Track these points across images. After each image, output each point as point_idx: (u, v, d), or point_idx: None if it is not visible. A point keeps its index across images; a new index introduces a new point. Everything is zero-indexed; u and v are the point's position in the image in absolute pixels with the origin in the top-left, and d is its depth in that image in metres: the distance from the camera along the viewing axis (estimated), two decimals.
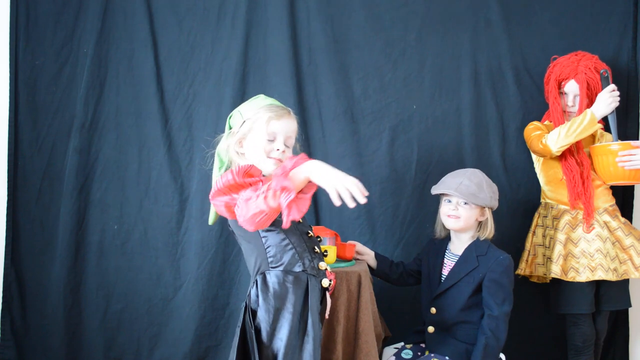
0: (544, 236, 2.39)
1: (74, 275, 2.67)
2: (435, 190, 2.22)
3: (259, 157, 1.80)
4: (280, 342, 1.65)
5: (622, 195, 2.61)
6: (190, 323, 2.64)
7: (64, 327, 2.66)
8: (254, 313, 1.71)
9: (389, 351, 2.24)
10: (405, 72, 2.66)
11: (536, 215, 2.47)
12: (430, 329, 2.15)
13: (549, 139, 2.31)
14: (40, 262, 2.68)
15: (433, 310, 2.15)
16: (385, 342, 2.29)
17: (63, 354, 2.66)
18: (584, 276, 2.24)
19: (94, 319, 2.68)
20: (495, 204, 2.17)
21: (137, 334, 2.68)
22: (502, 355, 2.18)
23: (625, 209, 2.60)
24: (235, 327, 1.76)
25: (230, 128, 1.90)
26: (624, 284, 2.36)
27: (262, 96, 1.93)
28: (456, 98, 2.66)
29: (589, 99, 2.36)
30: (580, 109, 2.35)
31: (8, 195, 2.66)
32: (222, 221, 2.62)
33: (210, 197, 1.72)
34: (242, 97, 2.65)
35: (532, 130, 2.42)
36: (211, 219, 1.95)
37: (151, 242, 2.68)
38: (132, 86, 2.68)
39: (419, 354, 2.19)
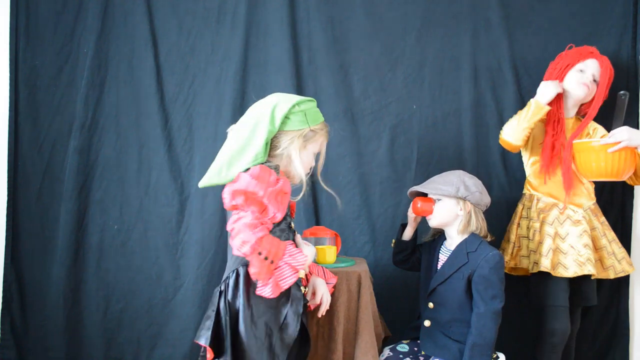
0: (528, 228, 2.38)
1: (74, 275, 2.67)
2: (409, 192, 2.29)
3: (301, 166, 1.81)
4: (260, 330, 1.72)
5: (622, 195, 2.60)
6: (190, 323, 2.65)
7: (64, 327, 2.66)
8: (231, 301, 1.76)
9: (388, 351, 2.24)
10: (405, 72, 2.66)
11: (520, 206, 2.44)
12: (427, 322, 2.15)
13: (505, 133, 2.32)
14: (40, 262, 2.68)
15: (431, 305, 2.15)
16: (385, 342, 2.29)
17: (63, 354, 2.66)
18: (571, 271, 2.22)
19: (94, 319, 2.68)
20: (472, 199, 2.14)
21: (137, 334, 2.68)
22: (502, 356, 2.18)
23: (626, 209, 2.60)
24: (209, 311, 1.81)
25: (287, 117, 1.78)
26: (592, 282, 2.36)
27: (314, 103, 1.87)
28: (456, 98, 2.66)
29: (606, 87, 2.33)
30: (599, 95, 2.31)
31: (8, 195, 2.66)
32: (222, 221, 2.63)
33: (234, 182, 1.70)
34: (242, 97, 2.66)
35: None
36: (203, 183, 1.84)
37: (151, 242, 2.68)
38: (132, 86, 2.68)
39: (415, 349, 2.20)
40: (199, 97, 2.68)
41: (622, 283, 2.59)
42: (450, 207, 2.16)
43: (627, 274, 2.35)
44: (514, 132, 2.29)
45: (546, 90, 2.28)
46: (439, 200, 2.18)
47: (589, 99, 2.38)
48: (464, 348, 2.05)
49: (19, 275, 2.68)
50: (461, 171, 2.24)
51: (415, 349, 2.21)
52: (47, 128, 2.69)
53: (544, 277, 2.27)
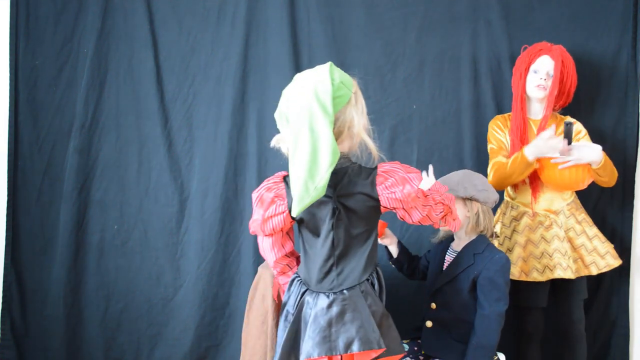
0: (501, 233, 2.40)
1: (74, 275, 2.67)
2: None
3: (369, 138, 1.72)
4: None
5: (622, 196, 2.60)
6: (190, 323, 2.65)
7: (64, 327, 2.66)
8: (378, 297, 1.75)
9: None
10: (405, 72, 2.66)
11: (499, 211, 2.46)
12: (429, 323, 2.15)
13: (492, 179, 2.34)
14: (40, 262, 2.68)
15: (433, 305, 2.15)
16: None
17: (63, 354, 2.66)
18: (544, 275, 2.27)
19: (94, 319, 2.68)
20: (480, 197, 2.13)
21: (137, 334, 2.69)
22: (502, 356, 2.18)
23: (626, 209, 2.60)
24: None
25: (334, 98, 1.62)
26: (582, 278, 2.36)
27: (333, 65, 1.69)
28: (456, 98, 2.65)
29: (561, 81, 2.33)
30: (552, 91, 2.31)
31: (8, 195, 2.66)
32: (222, 221, 2.63)
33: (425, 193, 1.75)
34: (242, 97, 2.66)
35: (491, 137, 2.43)
36: (298, 209, 1.60)
37: (151, 242, 2.68)
38: (132, 86, 2.69)
39: (415, 349, 2.20)
40: (199, 97, 2.68)
41: (622, 282, 2.59)
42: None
43: (611, 268, 2.34)
44: (504, 183, 2.33)
45: (537, 149, 2.24)
46: None
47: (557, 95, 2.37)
48: (465, 349, 2.05)
49: (19, 275, 2.68)
50: (465, 170, 2.22)
51: (416, 348, 2.21)
52: (47, 128, 2.69)
53: (519, 281, 2.30)
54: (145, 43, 2.67)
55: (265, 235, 1.80)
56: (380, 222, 2.06)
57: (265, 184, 1.76)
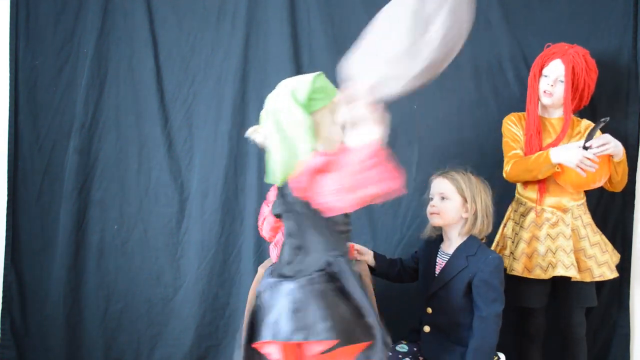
0: (512, 230, 2.39)
1: (74, 275, 2.67)
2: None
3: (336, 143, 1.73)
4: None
5: (623, 196, 2.60)
6: (190, 323, 2.65)
7: (64, 327, 2.66)
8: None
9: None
10: None
11: (510, 208, 2.45)
12: (426, 328, 2.14)
13: (510, 171, 2.32)
14: (40, 262, 2.68)
15: (429, 310, 2.14)
16: None
17: (63, 354, 2.66)
18: (547, 274, 2.24)
19: (94, 319, 2.68)
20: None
21: (137, 334, 2.69)
22: (501, 355, 2.18)
23: (626, 210, 2.59)
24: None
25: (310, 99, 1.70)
26: (589, 283, 2.33)
27: (323, 76, 1.78)
28: (456, 98, 2.65)
29: (575, 86, 2.30)
30: (566, 97, 2.28)
31: (8, 195, 2.66)
32: (222, 221, 2.63)
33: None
34: (242, 97, 2.65)
35: (506, 132, 2.41)
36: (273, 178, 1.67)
37: (151, 242, 2.68)
38: (132, 86, 2.69)
39: (415, 349, 2.19)
40: (199, 97, 2.68)
41: (623, 283, 2.59)
42: (457, 207, 2.13)
43: (605, 279, 2.32)
44: (521, 177, 2.31)
45: (567, 157, 2.19)
46: (442, 198, 2.16)
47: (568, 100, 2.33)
48: (464, 351, 2.05)
49: (19, 275, 2.69)
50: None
51: (415, 349, 2.20)
52: (47, 128, 2.69)
53: (520, 279, 2.29)
54: (145, 43, 2.67)
55: (269, 241, 1.84)
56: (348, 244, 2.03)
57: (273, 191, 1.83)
